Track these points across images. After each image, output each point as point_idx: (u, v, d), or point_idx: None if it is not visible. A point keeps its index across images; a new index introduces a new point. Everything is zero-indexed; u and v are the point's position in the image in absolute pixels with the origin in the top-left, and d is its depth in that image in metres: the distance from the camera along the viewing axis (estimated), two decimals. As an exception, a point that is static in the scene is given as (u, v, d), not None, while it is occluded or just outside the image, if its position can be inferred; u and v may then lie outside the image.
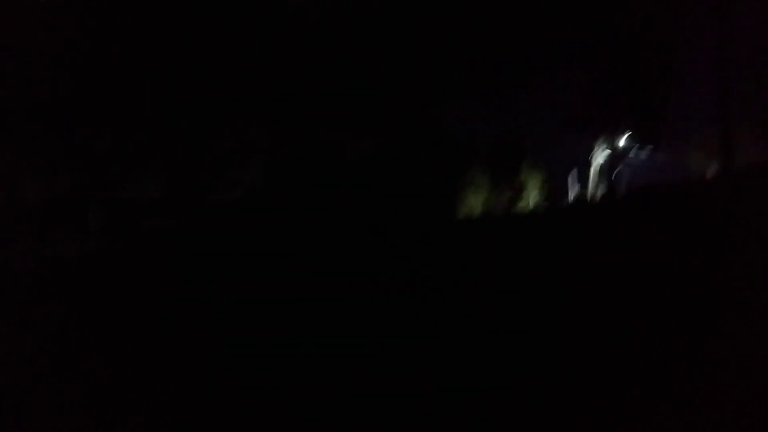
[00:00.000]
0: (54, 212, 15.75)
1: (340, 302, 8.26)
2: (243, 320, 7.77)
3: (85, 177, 16.22)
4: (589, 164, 28.36)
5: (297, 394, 4.64)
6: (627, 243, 9.00)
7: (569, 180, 28.30)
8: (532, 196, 32.96)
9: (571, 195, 28.99)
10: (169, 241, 16.91)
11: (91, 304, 9.31)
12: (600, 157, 28.01)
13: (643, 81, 25.18)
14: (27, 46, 14.58)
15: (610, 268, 7.71)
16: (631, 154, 27.34)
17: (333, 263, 11.60)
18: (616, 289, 6.78)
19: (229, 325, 7.59)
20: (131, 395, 4.66)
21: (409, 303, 7.96)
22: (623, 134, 27.20)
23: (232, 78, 16.17)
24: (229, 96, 16.45)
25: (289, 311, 7.84)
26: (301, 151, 17.83)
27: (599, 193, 28.03)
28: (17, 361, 5.90)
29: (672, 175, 26.09)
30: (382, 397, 4.31)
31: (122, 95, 15.64)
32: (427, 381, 4.72)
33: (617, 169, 27.41)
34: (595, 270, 7.77)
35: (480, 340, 5.84)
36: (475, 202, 30.77)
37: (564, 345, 5.35)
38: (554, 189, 32.41)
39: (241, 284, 10.21)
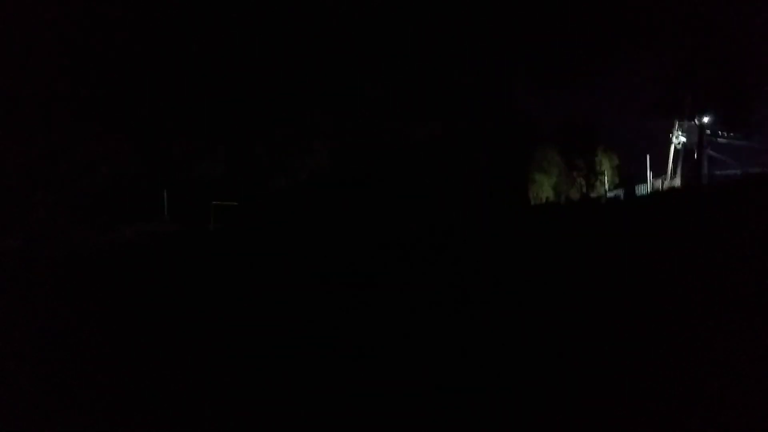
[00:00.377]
0: (124, 197, 16.41)
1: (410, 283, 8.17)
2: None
3: (155, 160, 16.88)
4: (666, 149, 27.26)
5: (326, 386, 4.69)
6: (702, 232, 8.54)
7: (647, 165, 27.31)
8: (604, 181, 32.11)
9: (647, 182, 27.99)
10: (235, 222, 17.35)
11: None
12: (678, 142, 26.86)
13: (728, 64, 23.88)
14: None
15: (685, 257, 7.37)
16: (712, 138, 26.08)
17: (398, 247, 11.52)
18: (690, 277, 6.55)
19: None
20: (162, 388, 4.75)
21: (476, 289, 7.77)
22: (703, 119, 25.94)
23: (296, 64, 16.44)
24: (293, 82, 16.76)
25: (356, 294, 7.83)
26: (368, 137, 17.98)
27: (675, 180, 26.93)
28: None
29: (757, 164, 24.82)
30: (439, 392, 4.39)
31: (189, 80, 16.18)
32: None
33: (697, 156, 26.22)
34: (671, 259, 7.42)
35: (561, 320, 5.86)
36: (546, 187, 30.30)
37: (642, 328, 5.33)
38: (628, 174, 31.52)
39: (309, 264, 10.33)
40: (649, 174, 27.36)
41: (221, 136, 16.68)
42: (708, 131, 25.84)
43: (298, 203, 18.09)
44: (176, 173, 17.82)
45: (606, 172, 31.76)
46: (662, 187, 26.43)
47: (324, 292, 7.99)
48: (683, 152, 26.64)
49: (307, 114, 17.43)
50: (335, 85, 16.61)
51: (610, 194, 30.35)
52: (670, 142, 27.21)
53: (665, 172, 27.44)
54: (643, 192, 26.44)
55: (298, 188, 18.40)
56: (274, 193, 18.50)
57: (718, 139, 25.80)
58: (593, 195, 30.99)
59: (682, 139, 26.70)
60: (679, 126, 26.46)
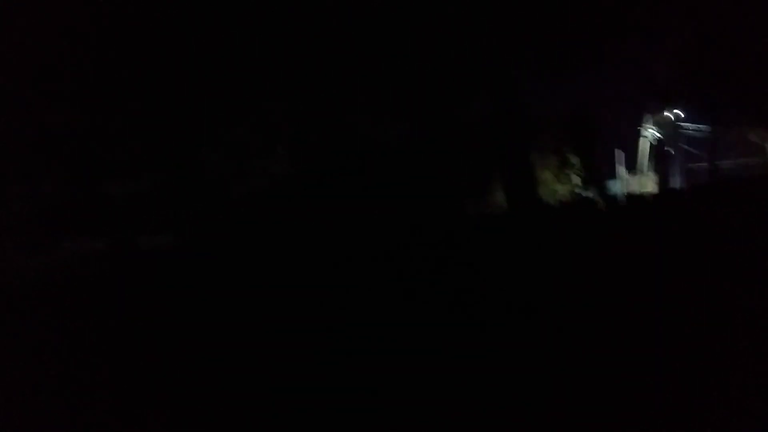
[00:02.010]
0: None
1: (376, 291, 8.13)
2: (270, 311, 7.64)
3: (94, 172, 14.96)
4: (635, 143, 26.43)
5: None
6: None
7: (615, 161, 26.40)
8: (570, 178, 31.27)
9: (616, 178, 27.16)
10: (194, 233, 16.02)
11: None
12: (648, 135, 26.06)
13: (701, 54, 23.16)
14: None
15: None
16: (686, 131, 25.39)
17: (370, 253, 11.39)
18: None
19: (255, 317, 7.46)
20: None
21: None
22: (674, 111, 25.21)
23: (254, 61, 14.62)
24: (251, 81, 14.93)
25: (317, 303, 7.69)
26: (334, 138, 16.30)
27: (645, 176, 26.12)
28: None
29: (727, 158, 24.28)
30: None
31: (137, 86, 14.22)
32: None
33: (667, 149, 25.48)
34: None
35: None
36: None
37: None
38: (595, 171, 30.73)
39: (266, 275, 10.01)
40: (620, 170, 26.49)
41: (165, 140, 14.72)
42: (680, 123, 25.15)
43: (258, 213, 16.38)
44: (120, 182, 15.90)
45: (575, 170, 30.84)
46: (633, 188, 25.63)
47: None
48: (655, 147, 25.86)
49: (267, 112, 15.62)
50: (300, 79, 14.84)
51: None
52: (639, 137, 26.42)
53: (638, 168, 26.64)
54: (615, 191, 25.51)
55: (259, 196, 16.60)
56: (230, 202, 16.67)
57: (690, 131, 25.14)
58: (561, 193, 30.11)
59: (653, 132, 25.93)
60: (651, 119, 25.66)
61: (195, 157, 15.80)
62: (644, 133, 25.97)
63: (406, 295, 7.87)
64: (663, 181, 25.02)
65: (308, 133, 16.24)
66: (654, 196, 18.88)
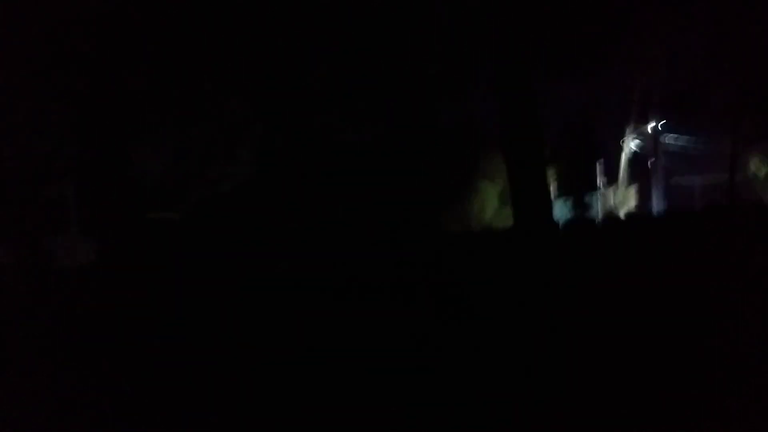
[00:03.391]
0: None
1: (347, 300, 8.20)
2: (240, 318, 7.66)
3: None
4: (617, 154, 25.75)
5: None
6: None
7: (597, 172, 25.70)
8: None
9: (596, 189, 26.45)
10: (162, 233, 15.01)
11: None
12: (631, 145, 25.40)
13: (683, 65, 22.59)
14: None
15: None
16: (667, 143, 24.77)
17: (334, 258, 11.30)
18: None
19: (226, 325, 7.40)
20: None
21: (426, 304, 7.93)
22: (657, 121, 24.59)
23: (221, 60, 13.55)
24: (217, 79, 13.85)
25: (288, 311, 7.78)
26: (301, 140, 15.25)
27: (629, 188, 25.44)
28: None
29: (711, 168, 23.73)
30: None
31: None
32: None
33: (651, 160, 24.83)
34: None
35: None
36: (492, 195, 28.29)
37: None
38: (576, 182, 30.09)
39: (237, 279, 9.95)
40: (600, 182, 25.78)
41: (118, 139, 13.53)
42: (662, 136, 24.54)
43: (218, 221, 15.27)
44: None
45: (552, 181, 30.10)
46: (613, 201, 24.96)
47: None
48: (635, 160, 25.21)
49: (227, 111, 14.52)
50: (259, 77, 13.79)
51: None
52: (621, 149, 25.75)
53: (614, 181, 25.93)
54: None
55: (219, 203, 15.48)
56: (188, 208, 15.54)
57: (673, 143, 24.55)
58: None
59: (634, 145, 25.30)
60: (633, 130, 25.01)
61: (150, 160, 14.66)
62: (626, 144, 25.33)
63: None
64: (643, 196, 24.38)
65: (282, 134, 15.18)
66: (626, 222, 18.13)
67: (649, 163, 24.73)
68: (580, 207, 24.62)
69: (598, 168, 25.46)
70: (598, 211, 24.83)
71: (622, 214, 24.29)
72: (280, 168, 15.12)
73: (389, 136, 17.07)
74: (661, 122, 24.35)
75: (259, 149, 15.02)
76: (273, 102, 14.51)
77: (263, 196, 15.74)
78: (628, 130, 25.20)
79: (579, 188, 27.56)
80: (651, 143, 24.63)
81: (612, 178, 25.91)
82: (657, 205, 23.62)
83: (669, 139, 24.67)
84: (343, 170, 16.21)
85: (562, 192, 30.27)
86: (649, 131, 24.70)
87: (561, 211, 28.97)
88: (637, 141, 25.19)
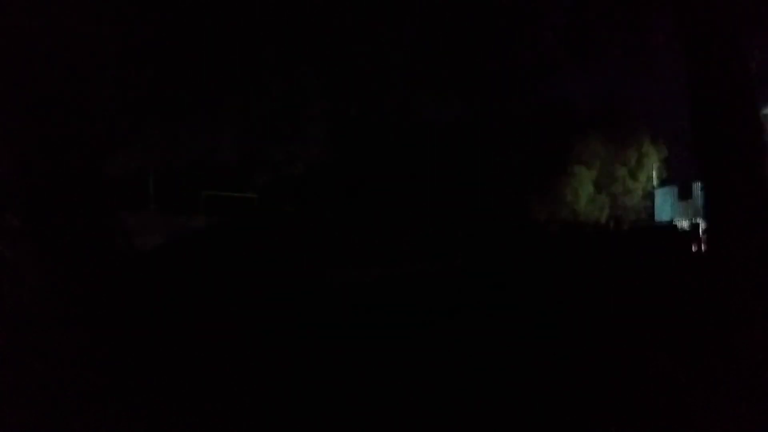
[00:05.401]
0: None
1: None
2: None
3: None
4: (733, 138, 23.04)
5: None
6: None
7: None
8: (650, 176, 28.09)
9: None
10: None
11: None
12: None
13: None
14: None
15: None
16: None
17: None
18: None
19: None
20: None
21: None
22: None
23: (288, 27, 12.50)
24: (283, 49, 12.81)
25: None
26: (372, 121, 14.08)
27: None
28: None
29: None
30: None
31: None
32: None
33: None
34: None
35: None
36: (586, 181, 26.25)
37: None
38: (679, 170, 27.49)
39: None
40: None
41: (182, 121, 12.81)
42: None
43: (288, 203, 14.46)
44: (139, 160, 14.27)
45: (654, 166, 27.66)
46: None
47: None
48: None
49: (298, 92, 13.49)
50: (330, 58, 12.65)
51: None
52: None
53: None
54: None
55: (291, 185, 14.61)
56: (259, 189, 14.78)
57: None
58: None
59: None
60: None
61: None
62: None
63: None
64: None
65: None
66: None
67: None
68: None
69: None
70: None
71: None
72: (353, 149, 14.07)
73: (473, 116, 15.69)
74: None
75: (331, 129, 13.99)
76: (345, 76, 13.38)
77: (336, 178, 14.85)
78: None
79: (683, 175, 25.17)
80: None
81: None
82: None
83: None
84: (421, 153, 15.03)
85: (665, 179, 27.98)
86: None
87: (663, 201, 26.61)
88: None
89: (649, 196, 27.52)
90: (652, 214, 26.96)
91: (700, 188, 24.02)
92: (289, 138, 13.95)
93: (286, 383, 5.03)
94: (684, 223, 24.09)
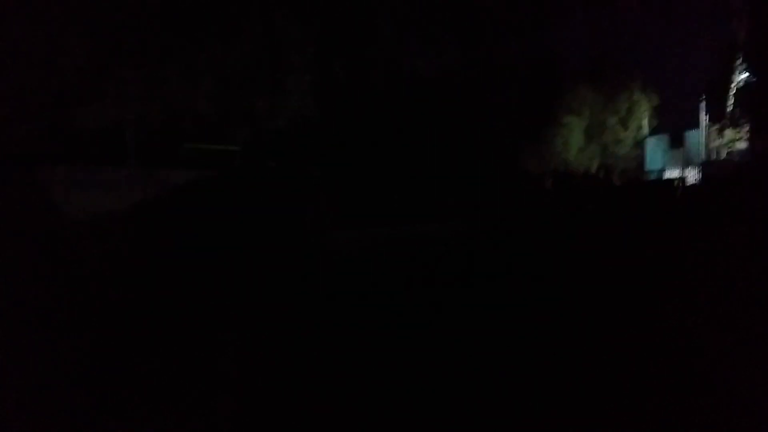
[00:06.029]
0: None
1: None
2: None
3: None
4: (725, 90, 22.67)
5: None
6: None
7: (699, 109, 22.80)
8: (640, 125, 27.65)
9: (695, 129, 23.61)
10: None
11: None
12: (741, 80, 22.23)
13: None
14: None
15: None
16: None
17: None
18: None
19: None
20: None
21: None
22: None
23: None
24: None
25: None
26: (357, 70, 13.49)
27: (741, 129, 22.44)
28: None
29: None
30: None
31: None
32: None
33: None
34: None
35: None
36: (577, 132, 25.81)
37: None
38: (670, 119, 27.10)
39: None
40: (703, 119, 22.89)
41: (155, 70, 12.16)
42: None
43: (271, 158, 13.96)
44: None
45: (644, 115, 27.21)
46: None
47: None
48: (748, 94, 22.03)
49: (279, 40, 12.84)
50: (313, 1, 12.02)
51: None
52: (728, 80, 22.59)
53: (720, 118, 22.89)
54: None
55: (271, 139, 14.08)
56: (241, 143, 14.24)
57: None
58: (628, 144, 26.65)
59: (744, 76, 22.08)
60: (742, 60, 21.77)
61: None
62: (735, 77, 22.23)
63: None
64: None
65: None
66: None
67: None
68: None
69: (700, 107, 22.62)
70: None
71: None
72: (338, 103, 13.50)
73: (463, 66, 15.12)
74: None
75: (314, 80, 13.38)
76: (329, 22, 12.72)
77: (321, 133, 14.30)
78: (737, 62, 22.07)
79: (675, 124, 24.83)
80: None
81: (713, 116, 22.98)
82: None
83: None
84: (409, 106, 14.47)
85: (656, 128, 27.54)
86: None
87: (654, 151, 26.32)
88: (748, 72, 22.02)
89: (640, 145, 27.19)
90: (642, 164, 26.70)
91: (691, 136, 23.91)
92: (271, 90, 13.38)
93: (277, 354, 4.85)
94: (675, 173, 23.91)
